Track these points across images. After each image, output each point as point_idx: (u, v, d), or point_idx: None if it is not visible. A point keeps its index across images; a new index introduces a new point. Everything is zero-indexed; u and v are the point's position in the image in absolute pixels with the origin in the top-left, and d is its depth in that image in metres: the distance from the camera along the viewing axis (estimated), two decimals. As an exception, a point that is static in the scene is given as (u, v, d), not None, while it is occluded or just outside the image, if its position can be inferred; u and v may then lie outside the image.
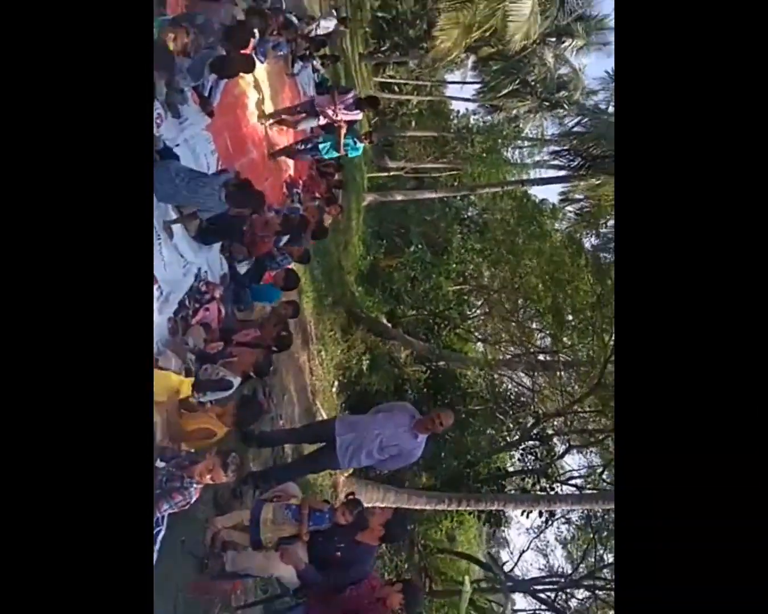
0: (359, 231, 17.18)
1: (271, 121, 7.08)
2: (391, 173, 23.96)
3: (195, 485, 3.10)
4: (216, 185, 4.23)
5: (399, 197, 20.29)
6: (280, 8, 7.09)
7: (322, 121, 6.81)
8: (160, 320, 3.74)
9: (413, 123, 26.46)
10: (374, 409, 4.90)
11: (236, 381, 3.84)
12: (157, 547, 3.04)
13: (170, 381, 3.34)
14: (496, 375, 15.99)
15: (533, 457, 14.21)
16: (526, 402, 15.77)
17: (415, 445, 4.56)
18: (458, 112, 28.49)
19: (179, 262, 4.25)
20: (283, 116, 7.21)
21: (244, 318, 5.21)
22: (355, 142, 7.09)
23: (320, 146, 6.97)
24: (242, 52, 4.96)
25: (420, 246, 20.70)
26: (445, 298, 20.69)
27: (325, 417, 7.47)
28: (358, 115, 6.93)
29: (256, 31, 6.21)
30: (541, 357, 17.07)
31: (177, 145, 4.52)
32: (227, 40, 4.57)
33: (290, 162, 7.91)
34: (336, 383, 9.04)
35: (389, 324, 15.71)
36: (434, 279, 20.14)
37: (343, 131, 6.68)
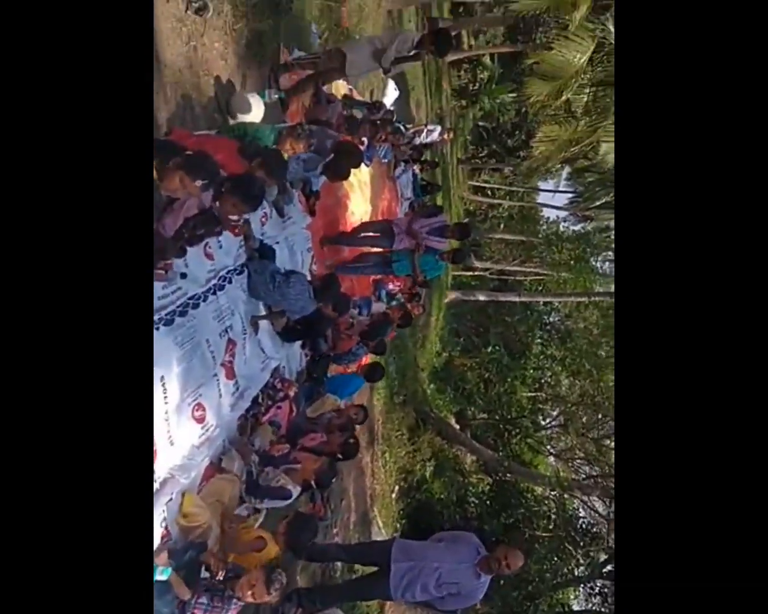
0: (438, 328, 17.13)
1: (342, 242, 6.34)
2: (476, 273, 24.05)
3: (235, 602, 2.91)
4: (306, 283, 4.31)
5: (481, 297, 20.20)
6: (391, 119, 7.47)
7: (399, 244, 6.02)
8: (231, 417, 3.72)
9: (502, 225, 26.75)
10: (436, 536, 4.54)
11: (296, 491, 3.70)
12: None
13: (230, 488, 3.25)
14: (567, 497, 14.89)
15: (601, 599, 12.87)
16: (599, 534, 14.46)
17: (477, 586, 4.16)
18: (548, 218, 28.60)
19: (259, 357, 4.28)
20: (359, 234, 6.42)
21: (313, 413, 5.12)
22: (436, 261, 6.32)
23: (393, 265, 6.27)
24: (354, 154, 5.16)
25: (497, 347, 20.31)
26: (518, 404, 19.94)
27: (381, 526, 7.11)
28: (443, 244, 6.16)
29: (364, 138, 6.53)
30: (619, 485, 15.77)
31: (277, 243, 4.68)
32: (338, 151, 4.78)
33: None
34: (397, 488, 8.69)
35: (458, 426, 15.22)
36: (509, 383, 19.55)
37: (419, 254, 5.99)
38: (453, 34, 18.75)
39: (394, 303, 7.32)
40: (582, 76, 11.96)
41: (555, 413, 22.71)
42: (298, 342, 4.96)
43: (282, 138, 4.14)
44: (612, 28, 11.32)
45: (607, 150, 13.19)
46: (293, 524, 3.32)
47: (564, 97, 12.42)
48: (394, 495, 8.54)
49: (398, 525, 8.50)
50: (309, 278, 4.71)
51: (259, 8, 4.32)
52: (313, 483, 3.88)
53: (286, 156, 4.05)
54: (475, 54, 20.44)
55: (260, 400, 4.14)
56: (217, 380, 3.62)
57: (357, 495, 6.71)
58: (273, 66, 4.75)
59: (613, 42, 11.32)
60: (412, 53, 4.77)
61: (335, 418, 4.71)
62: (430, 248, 5.99)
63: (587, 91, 12.53)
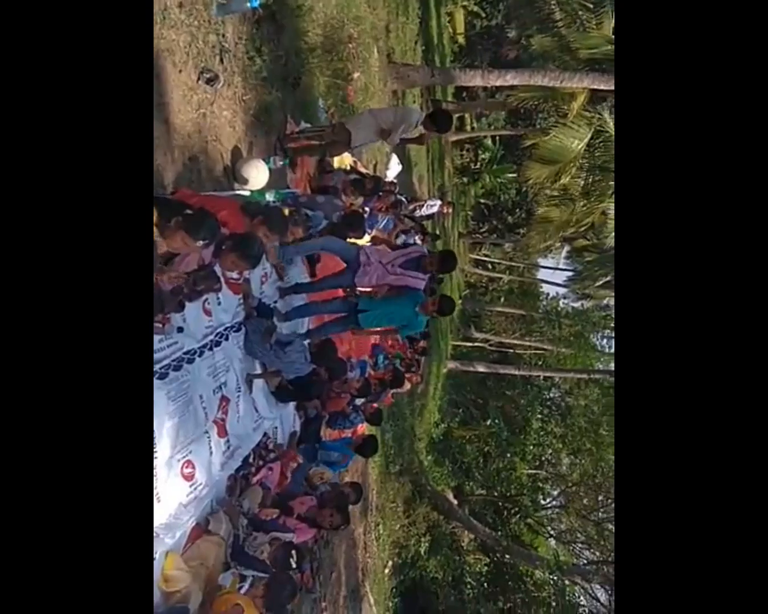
0: (437, 397, 16.98)
1: None
2: (476, 344, 24.10)
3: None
4: (304, 347, 4.34)
5: (481, 368, 20.14)
6: (393, 191, 7.71)
7: (363, 278, 4.72)
8: (221, 477, 3.64)
9: (502, 299, 27.02)
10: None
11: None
12: None
13: (215, 551, 3.14)
14: (567, 583, 14.23)
15: None
16: (600, 625, 13.77)
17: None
18: (548, 294, 28.97)
19: (252, 416, 4.24)
20: None
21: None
22: (416, 313, 4.84)
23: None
24: (357, 221, 5.29)
25: (497, 421, 20.02)
26: (518, 481, 19.43)
27: (372, 603, 6.77)
28: (420, 282, 4.67)
29: (367, 208, 6.72)
30: (621, 572, 15.12)
31: (275, 302, 4.74)
32: (344, 223, 4.93)
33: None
34: (390, 563, 8.34)
35: (455, 501, 14.79)
36: (509, 458, 19.12)
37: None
38: (456, 116, 19.69)
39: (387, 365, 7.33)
40: (580, 160, 12.47)
41: (555, 493, 22.10)
42: (292, 403, 4.93)
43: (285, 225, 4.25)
44: (608, 118, 11.91)
45: (605, 232, 13.56)
46: (271, 586, 3.17)
47: (562, 180, 12.91)
48: (387, 571, 8.18)
49: (390, 604, 8.11)
50: (307, 341, 4.73)
51: (269, 81, 4.56)
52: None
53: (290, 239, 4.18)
54: (477, 135, 21.33)
55: (251, 460, 4.07)
56: (209, 437, 3.57)
57: (348, 568, 6.44)
58: (279, 135, 4.96)
59: (611, 130, 11.87)
60: (415, 134, 4.98)
61: (328, 493, 4.60)
62: (406, 291, 4.67)
63: (585, 175, 13.03)
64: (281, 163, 4.76)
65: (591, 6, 11.43)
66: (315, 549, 5.24)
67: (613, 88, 9.50)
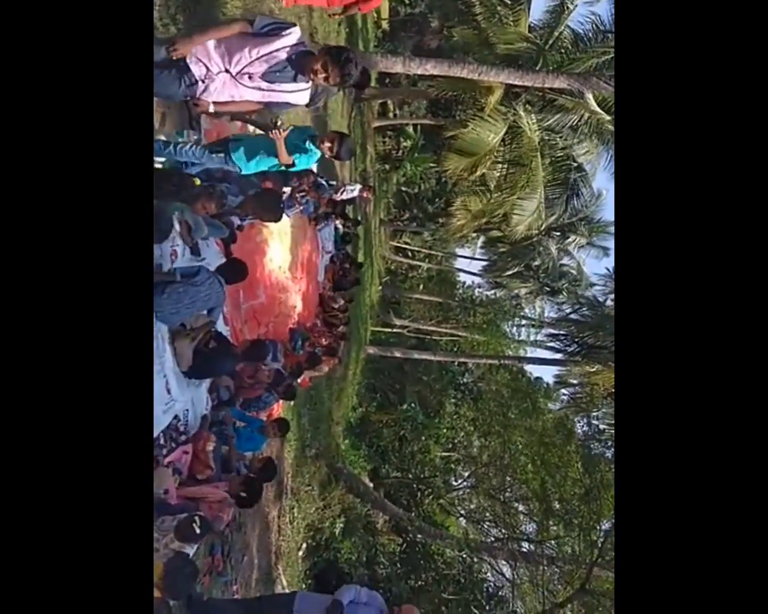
0: (355, 382, 17.11)
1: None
2: (394, 330, 24.48)
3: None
4: (211, 274, 4.15)
5: (398, 354, 20.52)
6: (312, 170, 7.62)
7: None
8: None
9: (421, 286, 27.60)
10: (341, 591, 4.43)
11: (191, 549, 3.49)
12: None
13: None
14: (475, 560, 14.92)
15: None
16: (504, 598, 14.56)
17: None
18: (464, 282, 29.96)
19: (163, 399, 4.09)
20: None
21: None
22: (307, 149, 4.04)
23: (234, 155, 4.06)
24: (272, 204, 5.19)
25: (413, 405, 20.52)
26: (431, 464, 20.07)
27: (285, 585, 6.79)
28: (289, 96, 3.26)
29: (286, 189, 6.63)
30: (524, 546, 16.06)
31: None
32: (258, 202, 4.81)
33: (298, 306, 8.00)
34: (304, 546, 8.36)
35: (371, 484, 15.04)
36: (423, 441, 19.69)
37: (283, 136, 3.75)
38: (378, 101, 19.73)
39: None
40: (495, 154, 12.95)
41: (466, 474, 23.00)
42: (205, 386, 4.81)
43: (195, 197, 4.10)
44: (522, 113, 12.43)
45: (516, 222, 14.20)
46: (167, 568, 3.06)
47: (478, 172, 13.36)
48: (300, 553, 8.20)
49: (304, 586, 8.15)
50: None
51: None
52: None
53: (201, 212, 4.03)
54: (399, 123, 21.51)
55: (162, 442, 3.95)
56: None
57: (261, 552, 6.40)
58: (191, 110, 4.76)
59: (525, 126, 12.38)
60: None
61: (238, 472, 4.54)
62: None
63: (499, 168, 13.55)
64: (195, 137, 4.59)
65: (509, 2, 11.83)
66: (227, 532, 5.17)
67: (527, 84, 9.90)
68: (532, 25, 12.42)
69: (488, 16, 12.00)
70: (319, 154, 4.12)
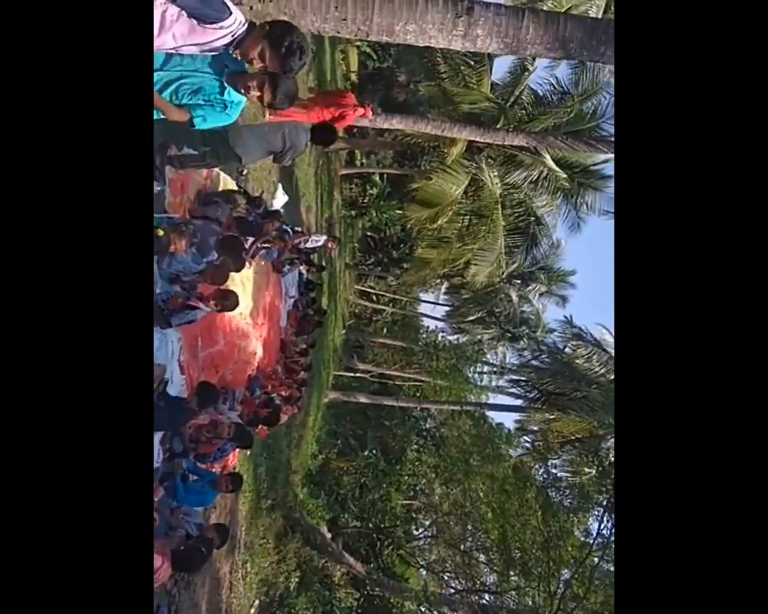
0: (316, 428, 16.82)
1: None
2: (357, 374, 24.33)
3: None
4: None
5: (362, 399, 20.36)
6: (278, 218, 7.64)
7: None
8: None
9: (385, 330, 27.66)
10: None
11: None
12: None
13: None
14: (435, 613, 14.56)
15: None
16: (464, 654, 14.16)
17: None
18: (428, 327, 30.15)
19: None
20: None
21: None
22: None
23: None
24: (236, 260, 5.19)
25: (374, 452, 20.25)
26: (392, 512, 19.68)
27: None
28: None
29: (249, 237, 6.63)
30: (485, 598, 15.78)
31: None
32: (221, 249, 4.81)
33: (258, 352, 7.87)
34: (257, 602, 8.02)
35: (329, 535, 14.63)
36: (384, 489, 19.34)
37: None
38: (346, 151, 20.10)
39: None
40: (456, 205, 13.32)
41: (427, 523, 22.63)
42: (158, 437, 4.66)
43: (167, 230, 4.13)
44: (484, 167, 12.88)
45: (475, 272, 14.57)
46: None
47: (440, 222, 13.70)
48: (253, 611, 7.85)
49: (255, 646, 7.79)
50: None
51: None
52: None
53: (171, 249, 4.03)
54: (365, 171, 21.93)
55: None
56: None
57: (210, 610, 6.11)
58: (156, 160, 4.76)
59: (486, 179, 12.82)
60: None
61: (194, 538, 4.36)
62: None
63: (461, 218, 13.93)
64: (158, 188, 4.58)
65: (472, 63, 12.36)
66: (174, 591, 4.93)
67: (488, 141, 10.29)
68: (494, 83, 12.98)
69: (452, 75, 12.49)
70: (244, 101, 2.92)
